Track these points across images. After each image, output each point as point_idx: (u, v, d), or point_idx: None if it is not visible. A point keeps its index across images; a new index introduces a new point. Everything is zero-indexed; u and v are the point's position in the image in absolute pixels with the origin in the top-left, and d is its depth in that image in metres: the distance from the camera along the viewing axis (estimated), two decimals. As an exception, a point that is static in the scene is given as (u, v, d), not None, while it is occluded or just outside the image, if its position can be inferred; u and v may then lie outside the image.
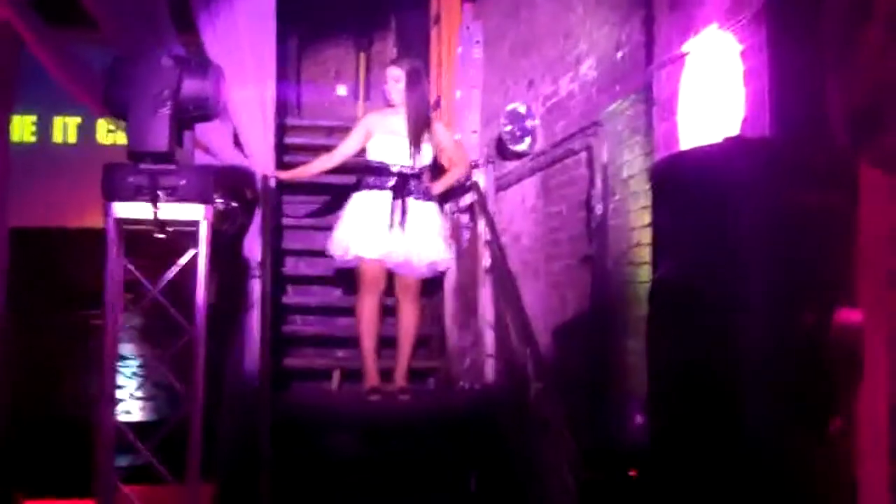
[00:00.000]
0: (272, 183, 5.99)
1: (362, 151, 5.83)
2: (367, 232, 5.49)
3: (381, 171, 5.58)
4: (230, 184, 5.55)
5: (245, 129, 5.79)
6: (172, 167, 3.46)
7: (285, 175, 5.99)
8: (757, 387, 2.29)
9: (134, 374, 9.38)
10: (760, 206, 2.31)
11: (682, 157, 3.10)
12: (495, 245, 5.93)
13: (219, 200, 3.85)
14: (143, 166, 3.43)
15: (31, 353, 8.62)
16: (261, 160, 5.88)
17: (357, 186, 5.73)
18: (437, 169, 6.09)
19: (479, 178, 6.65)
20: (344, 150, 5.75)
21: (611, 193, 5.09)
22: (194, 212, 3.56)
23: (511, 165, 6.84)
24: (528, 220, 6.59)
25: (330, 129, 8.98)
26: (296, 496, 5.04)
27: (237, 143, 5.94)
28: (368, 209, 5.53)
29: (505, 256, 5.86)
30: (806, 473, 2.32)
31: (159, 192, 3.43)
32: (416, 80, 5.64)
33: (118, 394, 9.07)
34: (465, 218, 6.70)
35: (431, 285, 6.99)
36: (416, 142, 5.54)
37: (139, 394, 9.36)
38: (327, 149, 8.60)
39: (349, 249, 5.53)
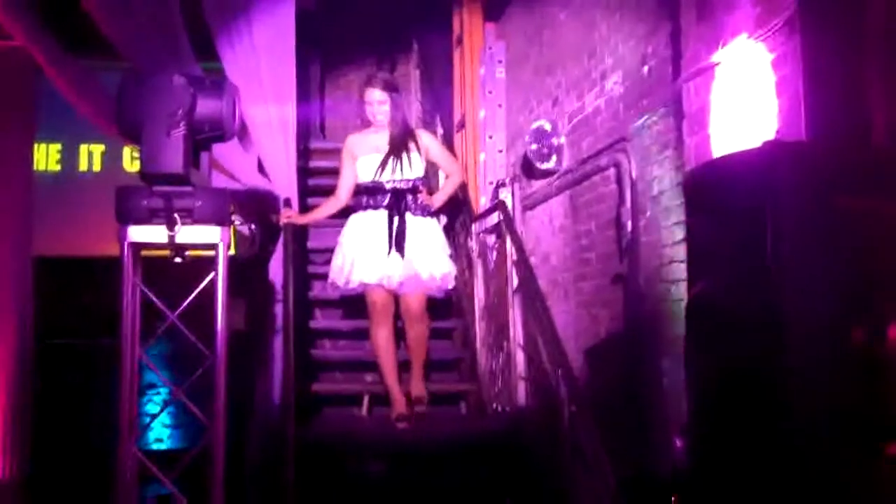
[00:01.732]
0: (295, 207, 5.90)
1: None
2: (367, 256, 5.25)
3: (374, 190, 5.30)
4: (253, 207, 5.47)
5: (266, 152, 5.72)
6: (188, 189, 3.36)
7: (302, 220, 5.81)
8: (805, 408, 2.14)
9: (164, 401, 9.32)
10: (803, 213, 2.17)
11: (717, 164, 2.95)
12: (523, 264, 5.79)
13: (238, 223, 3.72)
14: (157, 189, 3.34)
15: (57, 381, 8.61)
16: (283, 183, 5.80)
17: (352, 209, 5.47)
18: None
19: (506, 197, 6.53)
20: (345, 184, 5.48)
21: (641, 210, 4.96)
22: (211, 234, 3.46)
23: (538, 184, 6.73)
24: (556, 239, 6.47)
25: (354, 152, 8.93)
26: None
27: (260, 167, 5.86)
28: (365, 231, 5.29)
29: (534, 276, 5.72)
30: (859, 499, 2.16)
31: (175, 215, 3.34)
32: (398, 97, 5.38)
33: (147, 422, 9.08)
34: (491, 239, 6.58)
35: (458, 309, 6.88)
36: (399, 153, 5.25)
37: (168, 421, 9.29)
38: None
39: (350, 277, 5.30)
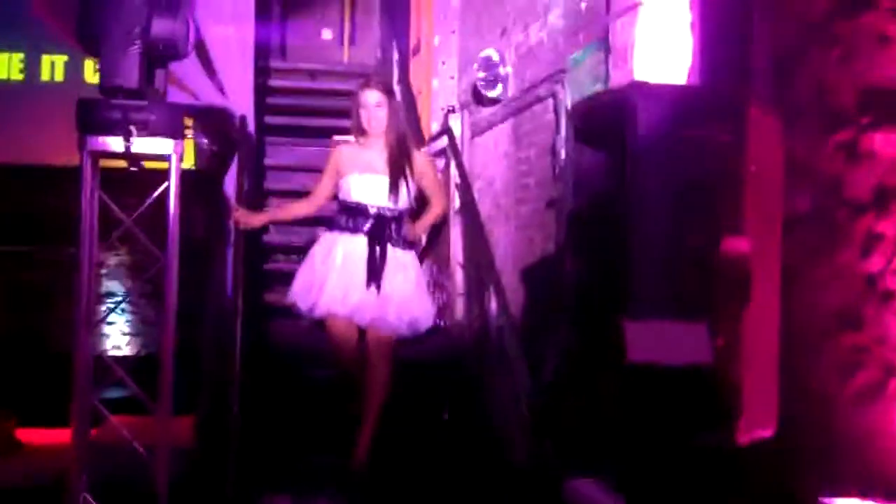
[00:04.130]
0: (251, 126, 6.16)
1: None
2: (338, 284, 4.63)
3: (356, 211, 4.70)
4: (209, 122, 5.71)
5: (223, 71, 5.95)
6: (143, 103, 3.63)
7: (261, 218, 5.37)
8: (645, 296, 2.54)
9: (122, 309, 9.56)
10: (651, 141, 2.53)
11: (594, 99, 3.35)
12: (465, 188, 6.12)
13: (191, 136, 3.99)
14: (115, 102, 3.61)
15: (17, 288, 8.85)
16: (240, 101, 6.06)
17: (328, 225, 4.87)
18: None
19: (455, 123, 6.84)
20: (320, 193, 4.87)
21: (574, 136, 5.28)
22: (165, 146, 3.74)
23: (485, 112, 7.03)
24: (500, 165, 6.79)
25: (313, 73, 9.16)
26: (270, 424, 5.26)
27: (218, 84, 6.09)
28: (340, 256, 4.68)
29: (474, 198, 6.06)
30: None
31: (131, 127, 3.61)
32: (396, 103, 4.90)
33: (107, 329, 9.35)
34: (440, 163, 6.89)
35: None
36: (396, 179, 4.67)
37: (126, 329, 9.59)
38: (310, 92, 8.92)
39: (317, 305, 4.66)
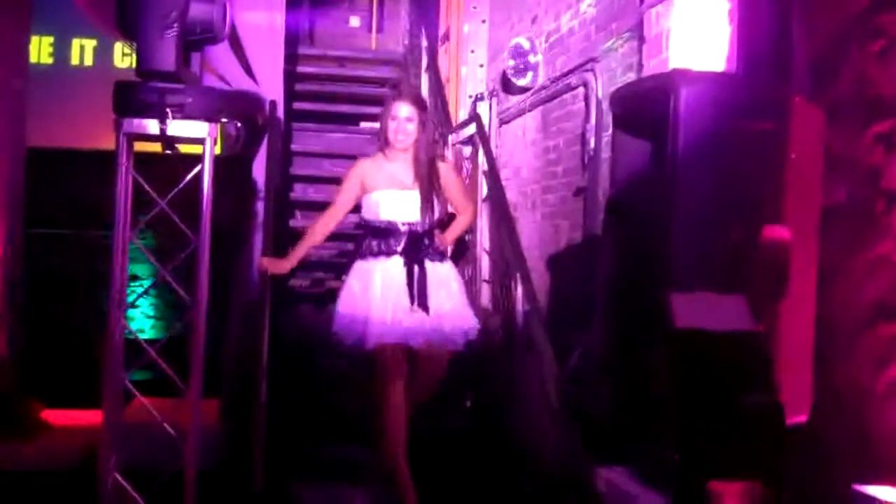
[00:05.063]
0: (280, 112, 6.18)
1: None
2: (384, 312, 4.41)
3: (387, 232, 4.50)
4: (239, 107, 5.72)
5: (254, 56, 5.97)
6: (179, 87, 3.66)
7: (291, 262, 4.87)
8: (685, 286, 2.54)
9: (147, 294, 9.63)
10: (694, 131, 2.53)
11: (635, 86, 3.33)
12: (493, 175, 6.11)
13: (225, 121, 4.01)
14: (151, 84, 3.64)
15: (49, 270, 8.94)
16: (270, 86, 6.08)
17: (358, 251, 4.67)
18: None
19: (484, 110, 6.83)
20: (340, 208, 4.66)
21: (604, 128, 5.28)
22: (199, 129, 3.76)
23: (514, 100, 7.02)
24: (527, 153, 6.79)
25: (341, 59, 9.17)
26: (296, 411, 5.29)
27: (248, 70, 6.12)
28: (379, 283, 4.47)
29: (501, 185, 6.05)
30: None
31: (167, 110, 3.64)
32: (425, 115, 4.65)
33: (132, 312, 9.42)
34: (467, 150, 6.89)
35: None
36: (428, 194, 4.50)
37: (151, 312, 9.67)
38: (338, 79, 8.94)
39: (366, 336, 4.40)
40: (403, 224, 4.48)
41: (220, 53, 5.64)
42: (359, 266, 4.55)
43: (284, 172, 7.34)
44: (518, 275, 5.21)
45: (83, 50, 9.54)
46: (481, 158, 6.35)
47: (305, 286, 6.91)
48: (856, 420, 2.98)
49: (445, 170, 4.69)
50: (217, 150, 4.01)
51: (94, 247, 8.74)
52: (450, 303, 4.50)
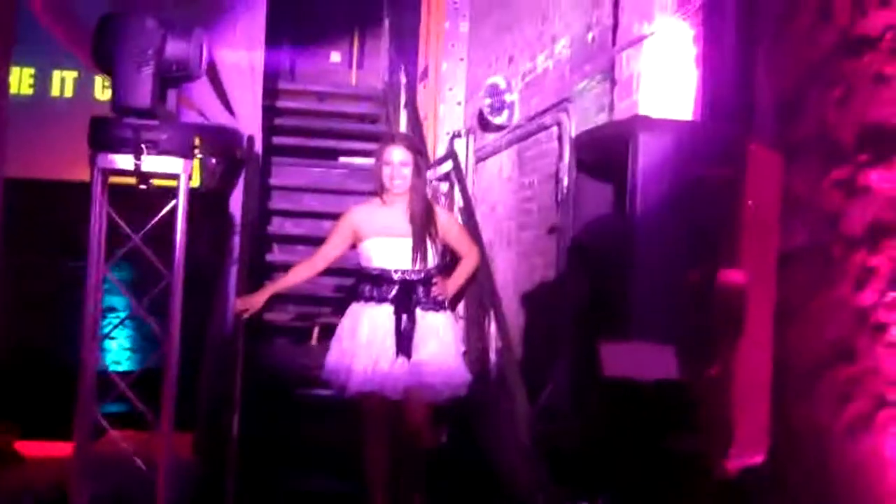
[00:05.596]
0: (258, 146, 6.24)
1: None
2: (366, 360, 4.35)
3: (379, 279, 4.41)
4: (217, 142, 5.77)
5: (233, 92, 6.04)
6: (155, 123, 3.71)
7: (263, 296, 4.71)
8: (645, 326, 2.62)
9: (123, 325, 9.60)
10: (657, 176, 2.61)
11: (599, 131, 3.42)
12: (468, 211, 6.17)
13: (201, 156, 4.06)
14: (127, 121, 3.69)
15: (25, 300, 8.90)
16: (248, 121, 6.15)
17: (353, 296, 4.60)
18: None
19: (461, 147, 6.91)
20: (326, 255, 4.58)
21: (577, 167, 5.34)
22: (174, 165, 3.81)
23: (491, 137, 7.11)
24: (504, 190, 6.86)
25: (321, 95, 9.27)
26: (270, 444, 5.30)
27: (227, 105, 6.19)
28: (366, 329, 4.39)
29: (476, 222, 6.11)
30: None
31: (142, 146, 3.69)
32: (420, 161, 4.54)
33: (108, 344, 9.38)
34: (444, 186, 6.96)
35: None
36: (421, 242, 4.40)
37: (127, 344, 9.64)
38: (318, 114, 9.01)
39: (347, 385, 4.39)
40: (396, 272, 4.40)
41: (199, 88, 5.71)
42: (351, 309, 4.51)
43: (262, 206, 7.38)
44: (492, 312, 5.26)
45: (63, 82, 9.55)
46: (457, 195, 6.42)
47: (285, 320, 6.94)
48: (815, 460, 3.04)
49: (444, 216, 4.63)
50: (195, 184, 4.07)
51: (71, 277, 8.72)
52: (440, 354, 4.37)
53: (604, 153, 2.83)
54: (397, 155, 4.40)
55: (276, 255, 7.49)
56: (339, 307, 5.39)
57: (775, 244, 2.89)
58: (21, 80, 9.47)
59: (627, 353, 2.54)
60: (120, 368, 9.05)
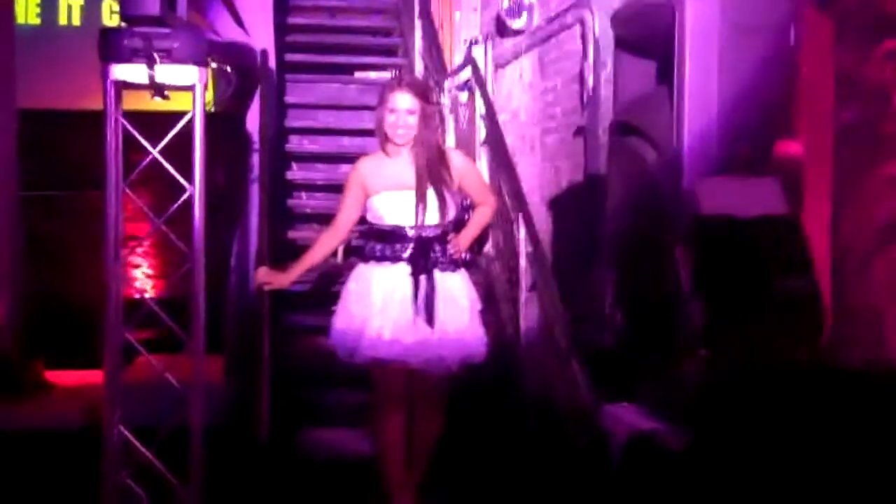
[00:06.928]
0: (272, 62, 6.10)
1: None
2: (383, 325, 3.93)
3: (393, 236, 3.98)
4: (229, 53, 5.63)
5: (243, 6, 5.89)
6: (166, 30, 3.55)
7: (290, 277, 4.20)
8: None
9: (148, 253, 9.61)
10: (705, 47, 2.47)
11: (639, 4, 3.27)
12: (491, 118, 6.04)
13: (215, 66, 3.91)
14: (137, 29, 3.54)
15: (41, 232, 8.85)
16: (260, 36, 6.00)
17: (361, 255, 4.13)
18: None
19: (478, 55, 6.72)
20: (345, 220, 4.09)
21: (602, 65, 5.19)
22: (189, 74, 3.66)
23: (509, 43, 6.92)
24: (525, 96, 6.70)
25: (333, 10, 9.04)
26: (295, 366, 5.26)
27: (238, 20, 6.04)
28: (380, 291, 3.97)
29: (500, 129, 5.97)
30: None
31: (154, 54, 3.54)
32: (431, 109, 4.03)
33: (134, 273, 9.36)
34: (463, 95, 6.80)
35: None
36: (424, 198, 3.92)
37: (149, 271, 9.63)
38: (331, 29, 8.81)
39: (359, 350, 3.95)
40: (411, 228, 3.94)
41: (210, 4, 5.56)
42: (358, 270, 4.07)
43: (279, 125, 7.26)
44: (520, 217, 5.15)
45: (70, 9, 9.41)
46: (479, 102, 6.27)
47: (302, 237, 6.85)
48: (870, 343, 2.94)
49: (458, 159, 4.12)
50: (208, 106, 3.92)
51: (88, 208, 8.66)
52: (458, 320, 3.98)
53: (647, 27, 2.68)
54: (403, 101, 3.91)
55: (295, 172, 7.37)
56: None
57: (830, 117, 2.73)
58: (28, 9, 9.34)
59: (727, 188, 2.37)
60: (149, 296, 9.05)
